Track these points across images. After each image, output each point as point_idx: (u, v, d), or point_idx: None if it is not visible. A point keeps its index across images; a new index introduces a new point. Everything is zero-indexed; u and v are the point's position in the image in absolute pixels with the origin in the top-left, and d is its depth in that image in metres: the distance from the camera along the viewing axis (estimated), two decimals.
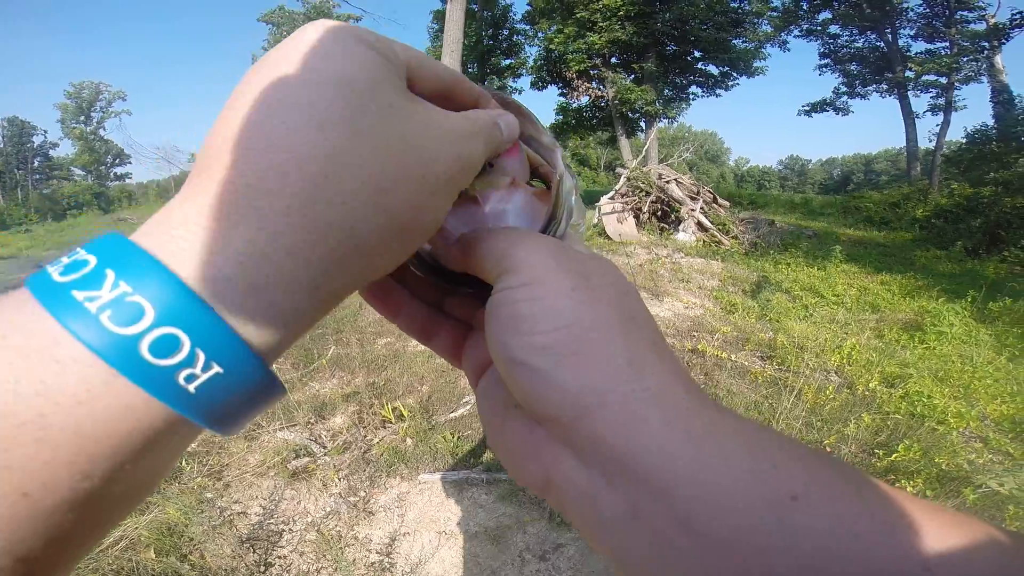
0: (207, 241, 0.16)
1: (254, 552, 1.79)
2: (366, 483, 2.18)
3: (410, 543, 1.87)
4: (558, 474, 0.21)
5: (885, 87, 20.41)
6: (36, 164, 45.58)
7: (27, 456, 0.13)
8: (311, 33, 0.20)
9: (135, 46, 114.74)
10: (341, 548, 1.81)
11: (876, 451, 2.35)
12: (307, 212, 0.17)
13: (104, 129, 43.87)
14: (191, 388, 0.15)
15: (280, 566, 1.75)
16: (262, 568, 1.72)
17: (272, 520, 1.95)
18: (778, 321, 4.34)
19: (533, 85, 20.28)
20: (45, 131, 46.65)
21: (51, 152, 46.92)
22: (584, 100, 19.43)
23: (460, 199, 0.26)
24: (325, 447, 2.38)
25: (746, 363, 3.42)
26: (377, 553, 1.82)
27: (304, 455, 2.32)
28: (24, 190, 42.90)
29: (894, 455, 2.22)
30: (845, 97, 21.83)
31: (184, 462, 2.22)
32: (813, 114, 22.59)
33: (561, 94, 19.98)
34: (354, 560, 1.78)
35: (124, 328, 0.14)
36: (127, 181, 45.83)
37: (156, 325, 0.15)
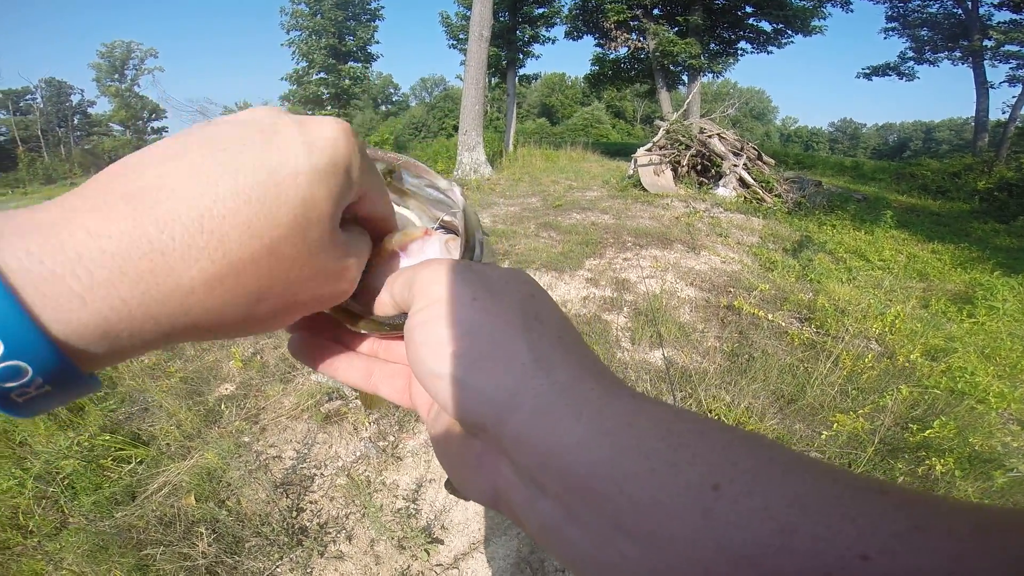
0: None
1: (287, 497, 1.87)
2: (395, 428, 2.24)
3: (435, 490, 1.93)
4: (502, 484, 0.21)
5: (958, 54, 19.00)
6: (76, 122, 46.96)
7: None
8: (304, 158, 0.21)
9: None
10: (369, 494, 1.88)
11: (910, 425, 2.28)
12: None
13: (139, 86, 45.01)
14: (20, 400, 0.17)
15: (311, 511, 1.83)
16: (294, 513, 1.80)
17: (305, 464, 2.03)
18: (819, 282, 4.18)
19: (568, 35, 19.33)
20: (82, 90, 47.92)
21: (89, 110, 48.32)
22: (622, 51, 18.54)
23: (382, 255, 0.30)
24: (357, 390, 2.44)
25: (783, 323, 3.33)
26: (404, 499, 1.88)
27: (336, 398, 2.39)
28: (67, 147, 44.43)
29: (928, 431, 2.14)
30: (912, 62, 20.41)
31: (223, 406, 2.32)
32: (874, 78, 21.21)
33: (598, 44, 19.09)
34: (381, 506, 1.85)
35: None
36: (164, 135, 46.88)
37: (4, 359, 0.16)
